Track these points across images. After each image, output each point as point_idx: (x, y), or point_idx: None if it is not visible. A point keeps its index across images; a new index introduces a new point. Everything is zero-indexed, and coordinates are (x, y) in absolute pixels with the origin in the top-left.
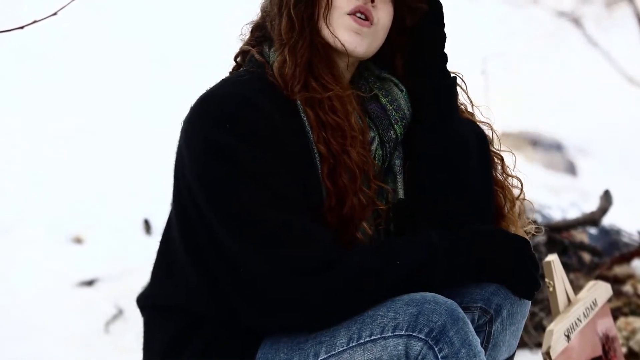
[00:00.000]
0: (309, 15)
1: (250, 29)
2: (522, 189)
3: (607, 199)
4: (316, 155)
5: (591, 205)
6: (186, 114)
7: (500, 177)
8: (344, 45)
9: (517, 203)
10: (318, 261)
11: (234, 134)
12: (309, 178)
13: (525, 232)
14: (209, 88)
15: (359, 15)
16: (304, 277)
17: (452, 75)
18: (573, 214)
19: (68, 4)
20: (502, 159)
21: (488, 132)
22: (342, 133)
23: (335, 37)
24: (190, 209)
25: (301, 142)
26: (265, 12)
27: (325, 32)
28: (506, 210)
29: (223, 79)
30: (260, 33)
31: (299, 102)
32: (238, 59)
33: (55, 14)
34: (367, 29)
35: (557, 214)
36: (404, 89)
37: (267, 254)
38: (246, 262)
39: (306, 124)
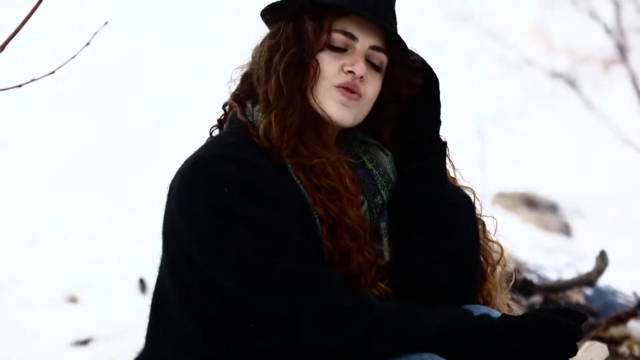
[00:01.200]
0: (298, 83)
1: (240, 77)
2: (502, 254)
3: (602, 259)
4: (315, 216)
5: (587, 265)
6: (173, 179)
7: (482, 242)
8: (331, 118)
9: (498, 268)
10: (338, 307)
11: (233, 190)
12: (311, 237)
13: (503, 303)
14: (194, 152)
15: (345, 87)
16: (328, 326)
17: (443, 140)
18: (569, 275)
19: (66, 62)
20: (483, 224)
21: (470, 195)
22: (338, 195)
23: (323, 109)
24: (187, 273)
25: (300, 203)
26: (253, 63)
27: (313, 102)
28: (488, 275)
29: (208, 143)
30: (247, 86)
31: (289, 165)
32: (226, 108)
33: (53, 72)
34: (355, 102)
35: (553, 275)
36: (389, 153)
37: (287, 302)
38: (266, 311)
39: (301, 186)
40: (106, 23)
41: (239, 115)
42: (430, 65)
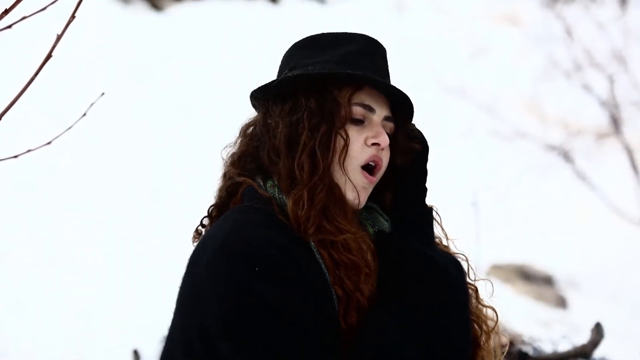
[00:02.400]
0: (329, 159)
1: (236, 156)
2: (496, 321)
3: (598, 332)
4: (334, 296)
5: (582, 338)
6: (197, 254)
7: (475, 309)
8: (348, 201)
9: (493, 335)
10: None
11: (266, 278)
12: (330, 318)
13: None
14: (220, 228)
15: (370, 165)
16: None
17: (429, 206)
18: (564, 347)
19: (62, 133)
20: (476, 290)
21: (463, 263)
22: (357, 271)
23: (344, 190)
24: (200, 349)
25: (322, 282)
26: (259, 141)
27: (338, 179)
28: (482, 342)
29: (233, 218)
30: (253, 164)
31: (312, 242)
32: (228, 190)
33: (49, 143)
34: (373, 183)
35: (548, 347)
36: (388, 219)
37: None
38: None
39: (322, 265)
40: (103, 94)
41: (260, 191)
42: (423, 134)
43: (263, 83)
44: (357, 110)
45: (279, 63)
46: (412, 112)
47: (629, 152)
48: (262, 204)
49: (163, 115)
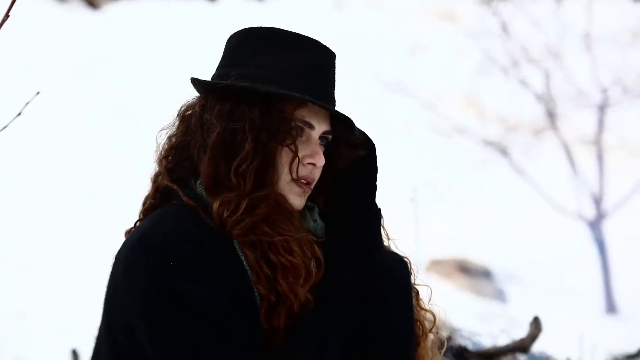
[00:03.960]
0: (262, 170)
1: (171, 146)
2: (434, 322)
3: (536, 325)
4: (256, 294)
5: (521, 332)
6: (120, 250)
7: (415, 310)
8: (294, 206)
9: (430, 336)
10: None
11: (180, 273)
12: (248, 316)
13: None
14: (143, 224)
15: (302, 181)
16: None
17: (378, 207)
18: (503, 341)
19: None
20: (417, 293)
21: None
22: (296, 273)
23: (289, 198)
24: (127, 348)
25: (243, 281)
26: (192, 135)
27: (279, 189)
28: (421, 342)
29: (156, 215)
30: (185, 159)
31: (235, 241)
32: (159, 179)
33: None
34: (308, 191)
35: (487, 341)
36: (317, 220)
37: None
38: None
39: (244, 263)
40: (38, 93)
41: (184, 198)
42: (369, 136)
43: (205, 74)
44: (298, 126)
45: (218, 59)
46: (353, 128)
47: (566, 147)
48: (185, 203)
49: (99, 114)
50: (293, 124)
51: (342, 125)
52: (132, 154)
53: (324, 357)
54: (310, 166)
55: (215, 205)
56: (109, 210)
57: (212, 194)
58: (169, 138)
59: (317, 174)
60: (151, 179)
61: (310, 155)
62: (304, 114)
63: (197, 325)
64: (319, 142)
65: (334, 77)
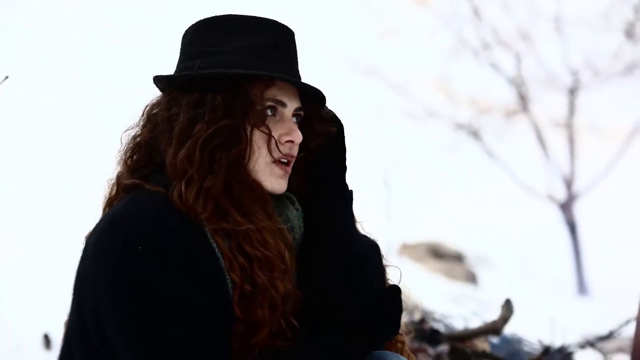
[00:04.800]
0: (233, 155)
1: (136, 144)
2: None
3: (508, 308)
4: (228, 281)
5: (492, 314)
6: (91, 233)
7: None
8: (270, 191)
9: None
10: None
11: (148, 259)
12: (219, 303)
13: (402, 340)
14: (114, 207)
15: (282, 160)
16: None
17: (349, 188)
18: (475, 323)
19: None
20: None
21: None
22: (270, 266)
23: (261, 182)
24: (94, 333)
25: (214, 268)
26: (159, 131)
27: (253, 174)
28: None
29: (128, 199)
30: (158, 157)
31: (207, 229)
32: (121, 179)
33: None
34: (288, 173)
35: (459, 324)
36: (299, 209)
37: None
38: None
39: (216, 249)
40: (7, 77)
41: (151, 188)
42: (336, 115)
43: (166, 70)
44: (270, 106)
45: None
46: (324, 101)
47: (537, 130)
48: (160, 186)
49: (67, 100)
50: (263, 104)
51: (312, 102)
52: (109, 142)
53: None
54: (288, 144)
55: (176, 190)
56: (82, 197)
57: (177, 180)
58: (134, 138)
59: (295, 151)
60: (110, 181)
61: (287, 133)
62: (274, 92)
63: (162, 312)
64: (292, 119)
65: (296, 55)
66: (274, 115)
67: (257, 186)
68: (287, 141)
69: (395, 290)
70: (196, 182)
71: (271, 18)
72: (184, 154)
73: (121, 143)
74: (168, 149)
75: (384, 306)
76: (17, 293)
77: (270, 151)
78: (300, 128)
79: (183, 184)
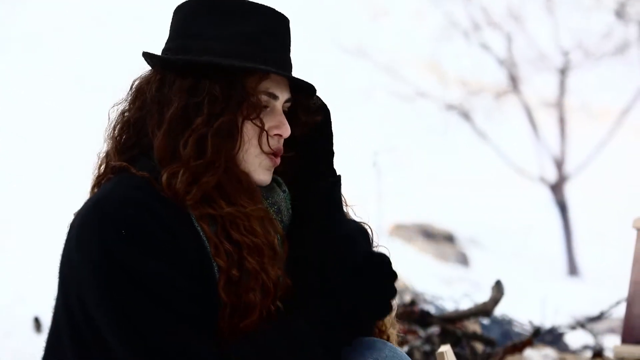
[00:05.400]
0: (225, 147)
1: (125, 122)
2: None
3: (498, 289)
4: (214, 266)
5: (483, 295)
6: (75, 217)
7: None
8: (258, 182)
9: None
10: None
11: (131, 243)
12: (206, 289)
13: (389, 334)
14: (99, 190)
15: (272, 154)
16: None
17: (337, 173)
18: (465, 305)
19: None
20: None
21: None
22: (259, 252)
23: (250, 173)
24: (80, 316)
25: (199, 252)
26: (148, 110)
27: (242, 165)
28: None
29: (113, 182)
30: (146, 138)
31: (192, 214)
32: (108, 158)
33: None
34: (276, 164)
35: (450, 305)
36: (286, 190)
37: None
38: None
39: (201, 234)
40: None
41: (136, 172)
42: (324, 102)
43: (159, 50)
44: (262, 99)
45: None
46: (314, 93)
47: (527, 110)
48: (145, 171)
49: (53, 85)
50: (257, 97)
51: (302, 93)
52: (96, 122)
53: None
54: (277, 137)
55: (165, 176)
56: (71, 181)
57: (164, 167)
58: (122, 114)
59: (281, 144)
60: (100, 156)
61: (277, 126)
62: (268, 85)
63: (145, 295)
64: (282, 112)
65: (290, 43)
66: (265, 107)
67: (245, 178)
68: (275, 134)
69: (383, 256)
70: (187, 170)
71: (267, 5)
72: (173, 142)
73: (109, 118)
74: (157, 132)
75: (373, 272)
76: (7, 277)
77: (260, 144)
78: (286, 116)
79: (173, 171)
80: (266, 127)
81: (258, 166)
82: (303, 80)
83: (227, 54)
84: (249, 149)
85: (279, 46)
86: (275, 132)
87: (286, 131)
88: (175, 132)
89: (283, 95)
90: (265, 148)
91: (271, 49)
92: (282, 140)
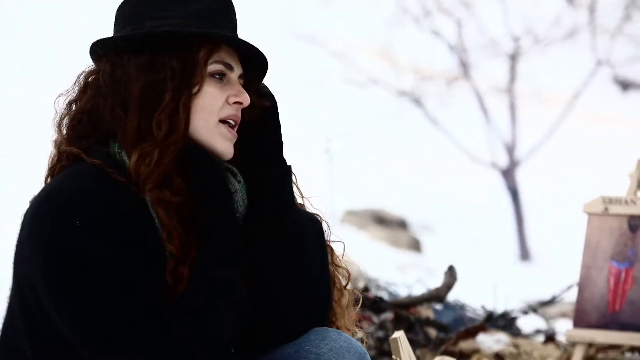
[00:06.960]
0: (178, 120)
1: (78, 110)
2: (349, 279)
3: (451, 274)
4: (167, 253)
5: (436, 281)
6: (28, 208)
7: (330, 267)
8: (220, 154)
9: (346, 293)
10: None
11: (82, 231)
12: (155, 274)
13: (348, 329)
14: (52, 181)
15: (230, 122)
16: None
17: (287, 164)
18: (418, 291)
19: None
20: (331, 250)
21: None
22: None
23: (211, 145)
24: (34, 305)
25: (153, 239)
26: (103, 97)
27: (199, 137)
28: (336, 299)
29: (65, 172)
30: (105, 125)
31: (148, 199)
32: (59, 144)
33: None
34: (235, 137)
35: (403, 291)
36: (241, 181)
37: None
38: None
39: (156, 221)
40: None
41: (88, 160)
42: (269, 89)
43: (107, 34)
44: (218, 68)
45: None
46: (266, 71)
47: (478, 96)
48: (101, 159)
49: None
50: (215, 66)
51: (252, 72)
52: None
53: (233, 300)
54: (236, 105)
55: (133, 158)
56: (22, 166)
57: (133, 148)
58: (70, 104)
59: (239, 113)
60: (53, 143)
61: (236, 94)
62: (223, 55)
63: (96, 282)
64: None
65: (237, 22)
66: (221, 78)
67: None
68: (235, 102)
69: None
70: (149, 150)
71: None
72: (144, 122)
73: (55, 109)
74: (122, 114)
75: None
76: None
77: (220, 112)
78: None
79: (137, 154)
80: (224, 95)
81: (218, 136)
82: (256, 48)
83: (184, 26)
84: (209, 118)
85: (229, 24)
86: (235, 99)
87: (245, 99)
88: (143, 112)
89: (238, 68)
90: (223, 114)
91: (223, 26)
92: (239, 111)
